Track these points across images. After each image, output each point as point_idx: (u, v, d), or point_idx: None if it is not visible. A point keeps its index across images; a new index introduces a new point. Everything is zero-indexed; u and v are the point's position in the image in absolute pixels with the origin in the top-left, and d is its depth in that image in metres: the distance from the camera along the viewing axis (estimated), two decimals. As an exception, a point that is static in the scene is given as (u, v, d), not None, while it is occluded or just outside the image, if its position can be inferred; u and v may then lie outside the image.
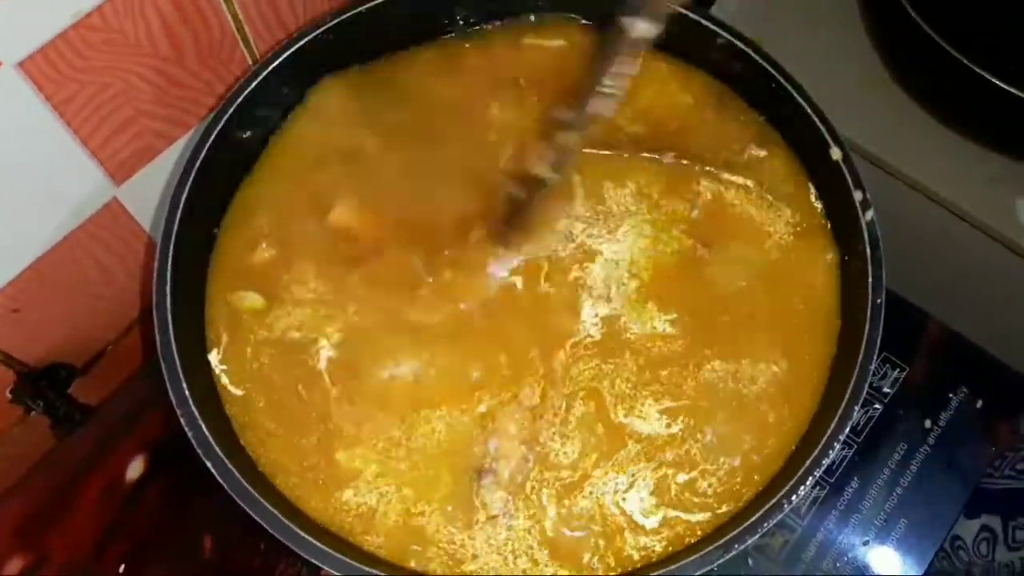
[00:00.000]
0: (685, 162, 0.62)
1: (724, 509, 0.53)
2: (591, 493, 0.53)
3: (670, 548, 0.52)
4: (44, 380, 0.68)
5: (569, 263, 0.59)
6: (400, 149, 0.63)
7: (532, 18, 0.68)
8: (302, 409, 0.55)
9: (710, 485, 0.53)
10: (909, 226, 0.75)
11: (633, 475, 0.54)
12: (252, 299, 0.58)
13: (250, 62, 0.67)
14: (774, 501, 0.48)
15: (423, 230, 0.60)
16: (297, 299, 0.58)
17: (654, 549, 0.52)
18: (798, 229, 0.60)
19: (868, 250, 0.54)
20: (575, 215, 0.60)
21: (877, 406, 0.66)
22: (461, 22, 0.68)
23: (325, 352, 0.57)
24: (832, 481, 0.64)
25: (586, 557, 0.52)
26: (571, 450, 0.54)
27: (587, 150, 0.61)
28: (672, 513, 0.53)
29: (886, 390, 0.66)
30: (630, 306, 0.57)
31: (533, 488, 0.53)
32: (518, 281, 0.58)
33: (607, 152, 0.62)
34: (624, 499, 0.53)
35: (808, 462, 0.49)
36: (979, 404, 0.66)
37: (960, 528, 0.81)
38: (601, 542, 0.52)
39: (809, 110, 0.59)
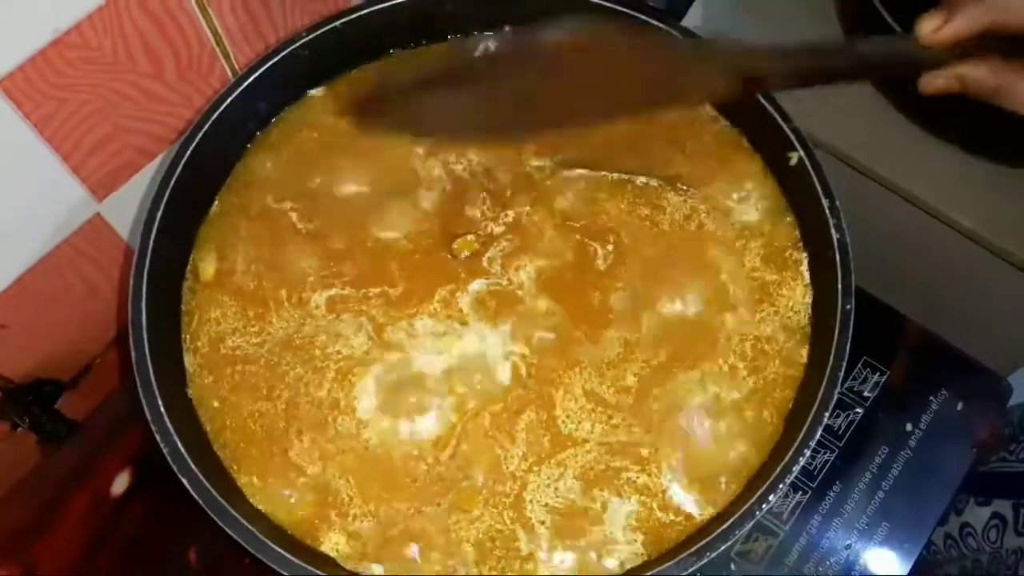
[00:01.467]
0: (655, 183, 0.62)
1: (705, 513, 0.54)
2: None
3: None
4: (30, 396, 0.68)
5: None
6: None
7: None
8: (276, 420, 0.56)
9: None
10: (888, 229, 0.76)
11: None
12: (207, 264, 0.60)
13: (230, 76, 0.67)
14: (747, 507, 0.48)
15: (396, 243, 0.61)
16: (270, 311, 0.59)
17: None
18: (769, 238, 0.61)
19: (837, 256, 0.54)
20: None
21: (858, 410, 0.66)
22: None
23: (300, 363, 0.58)
24: (814, 485, 0.64)
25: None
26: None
27: (568, 172, 0.62)
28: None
29: (867, 394, 0.66)
30: None
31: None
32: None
33: (582, 171, 0.63)
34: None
35: (779, 468, 0.49)
36: (959, 406, 0.66)
37: (970, 515, 0.80)
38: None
39: (775, 114, 0.59)
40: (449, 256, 0.60)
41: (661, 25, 0.62)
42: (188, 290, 0.60)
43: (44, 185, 0.59)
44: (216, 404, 0.56)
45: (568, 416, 0.56)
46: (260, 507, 0.53)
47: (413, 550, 0.53)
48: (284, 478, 0.54)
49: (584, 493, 0.54)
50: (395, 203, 0.62)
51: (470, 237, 0.60)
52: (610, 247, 0.60)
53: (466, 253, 0.60)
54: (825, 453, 0.65)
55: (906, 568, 0.62)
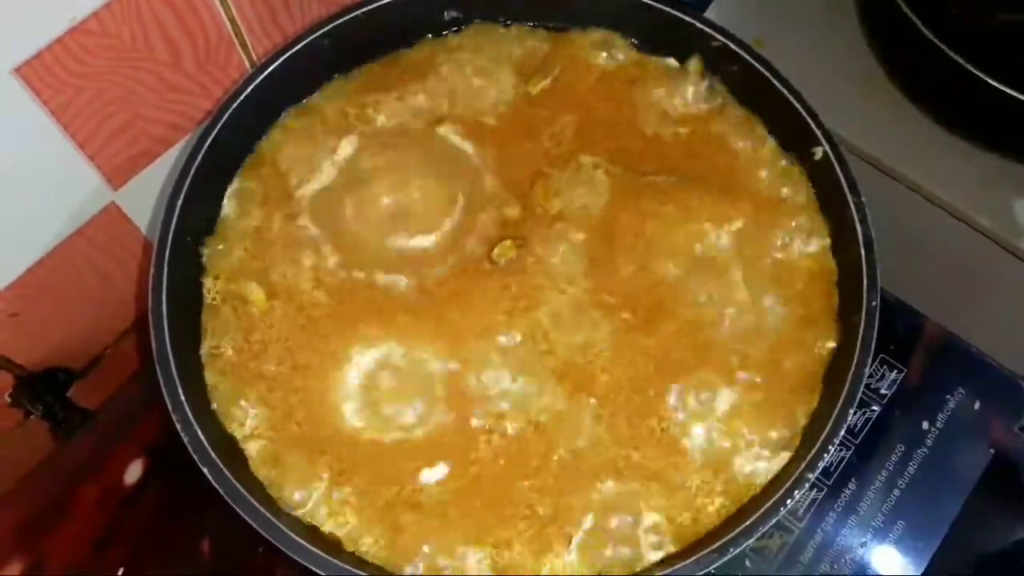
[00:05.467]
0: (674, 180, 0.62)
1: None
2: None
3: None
4: (43, 384, 0.68)
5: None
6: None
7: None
8: (297, 415, 0.56)
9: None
10: (907, 228, 0.76)
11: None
12: (255, 291, 0.59)
13: (247, 66, 0.67)
14: (770, 504, 0.48)
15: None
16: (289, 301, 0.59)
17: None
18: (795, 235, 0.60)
19: (863, 253, 0.54)
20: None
21: (875, 408, 0.66)
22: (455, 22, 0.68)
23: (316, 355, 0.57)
24: (830, 483, 0.64)
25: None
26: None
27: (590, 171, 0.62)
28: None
29: (884, 392, 0.66)
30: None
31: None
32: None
33: (605, 169, 0.62)
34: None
35: (804, 464, 0.49)
36: (976, 406, 0.66)
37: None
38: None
39: (801, 109, 0.59)
40: (488, 264, 0.59)
41: (684, 16, 0.62)
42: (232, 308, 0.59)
43: (60, 173, 0.59)
44: (235, 391, 0.56)
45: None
46: (277, 498, 0.53)
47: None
48: (303, 469, 0.54)
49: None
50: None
51: (507, 243, 0.60)
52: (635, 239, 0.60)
53: (505, 259, 0.59)
54: (841, 450, 0.65)
55: (921, 567, 0.62)
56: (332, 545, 0.52)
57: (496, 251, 0.59)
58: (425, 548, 0.52)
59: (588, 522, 0.53)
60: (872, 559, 0.62)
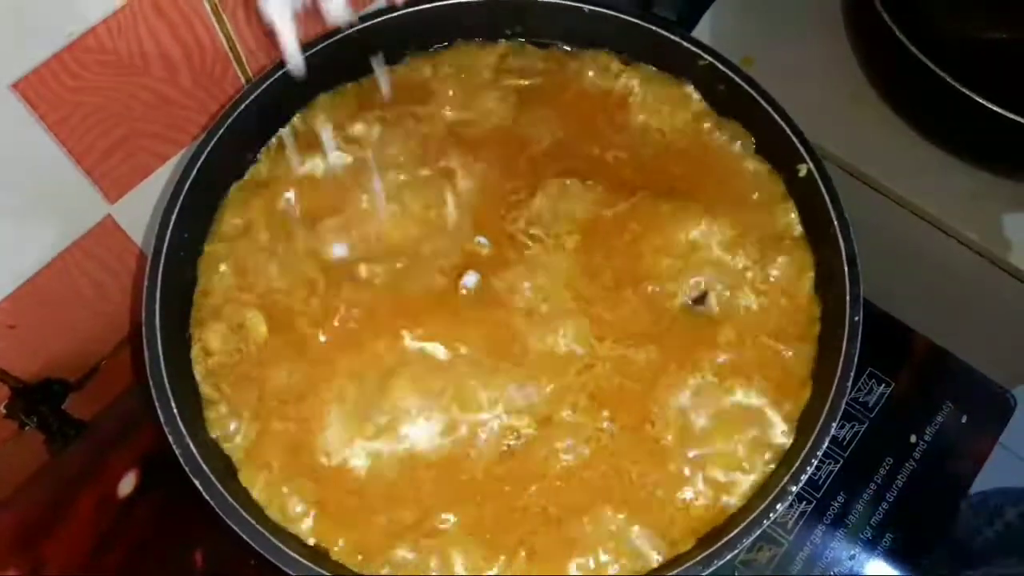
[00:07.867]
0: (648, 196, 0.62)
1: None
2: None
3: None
4: (38, 395, 0.68)
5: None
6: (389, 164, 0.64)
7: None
8: (290, 433, 0.56)
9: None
10: (895, 242, 0.76)
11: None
12: (256, 320, 0.59)
13: (243, 81, 0.67)
14: (754, 516, 0.48)
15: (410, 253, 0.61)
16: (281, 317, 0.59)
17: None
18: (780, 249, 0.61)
19: (846, 268, 0.55)
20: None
21: (863, 421, 0.66)
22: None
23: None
24: (819, 496, 0.64)
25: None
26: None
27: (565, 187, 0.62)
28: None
29: (872, 405, 0.67)
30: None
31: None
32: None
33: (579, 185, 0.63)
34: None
35: (787, 477, 0.49)
36: (964, 419, 0.67)
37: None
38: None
39: (785, 127, 0.60)
40: (463, 291, 0.60)
41: (671, 35, 0.63)
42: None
43: (57, 187, 0.59)
44: (229, 407, 0.57)
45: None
46: (268, 512, 0.53)
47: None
48: (295, 484, 0.54)
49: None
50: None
51: (471, 272, 0.60)
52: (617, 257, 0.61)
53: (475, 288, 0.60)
54: (830, 464, 0.65)
55: (909, 579, 0.63)
56: (321, 557, 0.52)
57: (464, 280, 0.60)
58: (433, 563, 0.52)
59: (591, 525, 0.53)
60: (861, 571, 0.63)
